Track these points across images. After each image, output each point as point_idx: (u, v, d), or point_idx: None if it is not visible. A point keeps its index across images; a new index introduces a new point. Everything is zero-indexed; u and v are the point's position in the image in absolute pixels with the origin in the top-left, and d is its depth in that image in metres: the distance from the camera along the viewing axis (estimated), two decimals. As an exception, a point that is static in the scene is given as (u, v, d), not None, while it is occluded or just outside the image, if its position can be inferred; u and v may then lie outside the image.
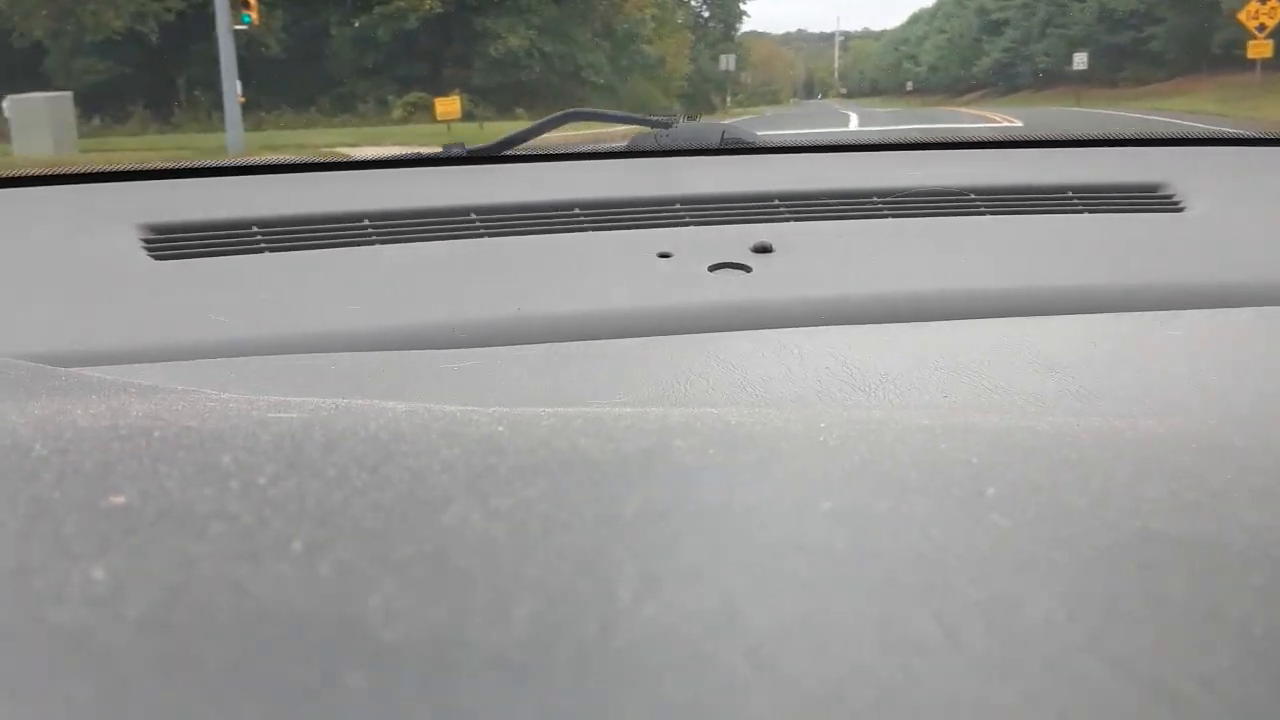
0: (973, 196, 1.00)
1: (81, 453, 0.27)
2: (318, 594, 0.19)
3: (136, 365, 0.65)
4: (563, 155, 1.16)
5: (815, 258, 0.88)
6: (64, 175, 1.00)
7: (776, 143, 1.22)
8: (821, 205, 0.97)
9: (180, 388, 0.46)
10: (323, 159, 1.10)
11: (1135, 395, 0.57)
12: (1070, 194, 1.02)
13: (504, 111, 17.03)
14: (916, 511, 0.25)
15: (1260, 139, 1.23)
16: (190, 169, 1.05)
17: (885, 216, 0.97)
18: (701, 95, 26.95)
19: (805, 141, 1.22)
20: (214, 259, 0.84)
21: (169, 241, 0.85)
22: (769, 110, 30.23)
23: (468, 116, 15.56)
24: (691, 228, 0.93)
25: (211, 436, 0.29)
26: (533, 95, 18.48)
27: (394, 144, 11.50)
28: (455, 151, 1.11)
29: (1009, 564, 0.22)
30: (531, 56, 19.39)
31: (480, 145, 1.14)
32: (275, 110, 16.55)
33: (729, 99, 30.45)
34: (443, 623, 0.18)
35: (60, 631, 0.18)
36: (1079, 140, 1.23)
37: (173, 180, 1.01)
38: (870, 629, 0.19)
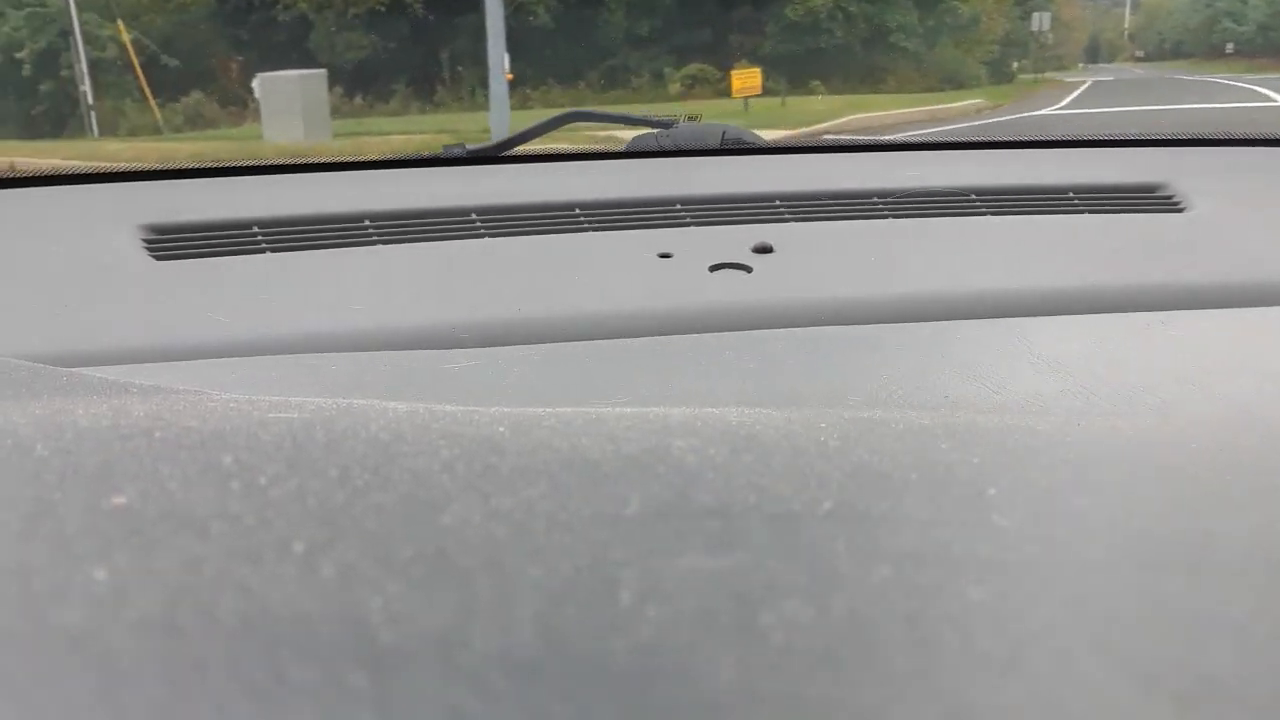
0: (973, 197, 1.00)
1: (83, 453, 0.27)
2: (319, 594, 0.19)
3: (138, 365, 0.65)
4: (563, 156, 1.16)
5: (816, 258, 0.88)
6: (65, 175, 1.00)
7: (777, 143, 1.22)
8: (822, 206, 0.97)
9: (181, 388, 0.46)
10: (324, 159, 1.10)
11: (1136, 395, 0.57)
12: (1071, 194, 1.02)
13: (797, 84, 13.93)
14: (917, 512, 0.25)
15: (1261, 139, 1.23)
16: (191, 169, 1.05)
17: (886, 217, 0.97)
18: (1001, 61, 22.17)
19: (806, 142, 1.22)
20: (215, 259, 0.84)
21: (170, 242, 0.85)
22: (1081, 78, 24.03)
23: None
24: (692, 228, 0.93)
25: (213, 436, 0.28)
26: (829, 65, 15.43)
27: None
28: (456, 152, 1.11)
29: (1010, 564, 0.22)
30: (834, 19, 15.76)
31: (481, 145, 1.14)
32: (541, 87, 14.53)
33: (1016, 65, 24.51)
34: (444, 623, 0.18)
35: (61, 632, 0.18)
36: (1079, 141, 1.23)
37: (173, 180, 1.01)
38: (871, 630, 0.19)
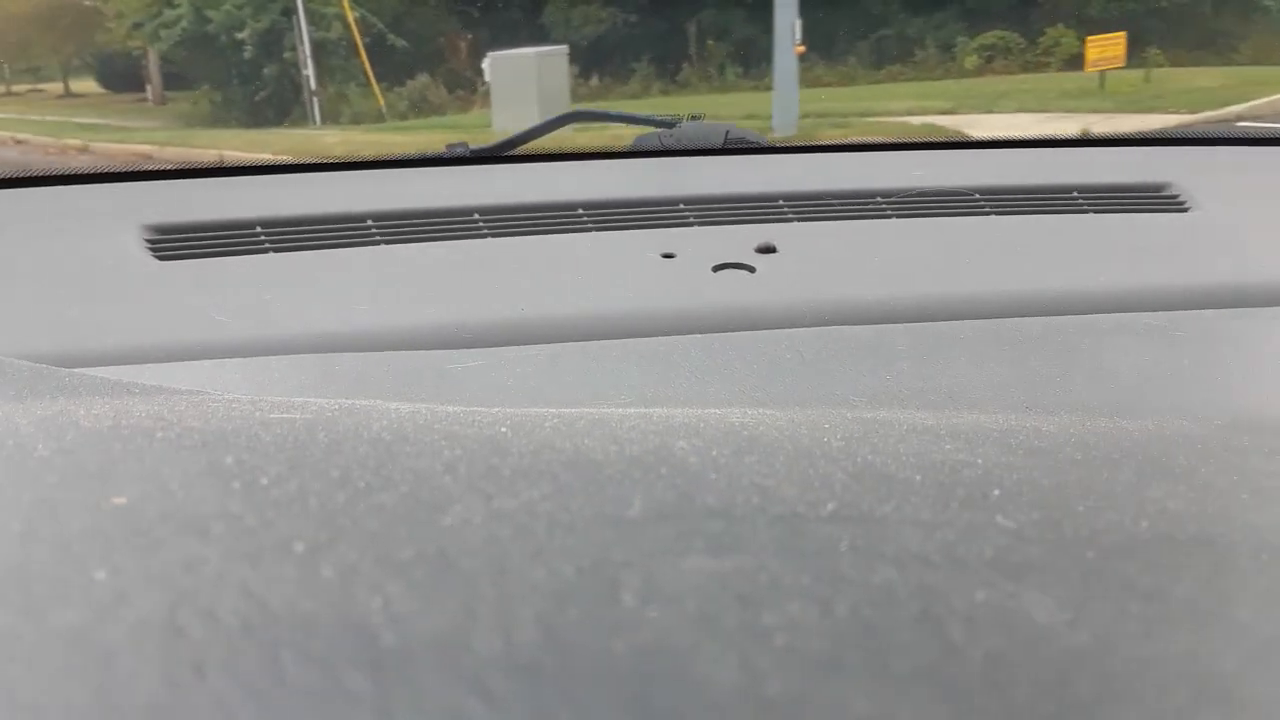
0: (978, 197, 1.00)
1: (84, 453, 0.27)
2: (320, 595, 0.19)
3: (140, 366, 0.65)
4: (566, 155, 1.16)
5: (819, 258, 0.88)
6: (68, 175, 1.00)
7: (780, 142, 1.22)
8: (826, 205, 0.97)
9: (183, 388, 0.46)
10: (327, 158, 1.10)
11: (1141, 395, 0.57)
12: (1076, 194, 1.02)
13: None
14: (921, 513, 0.25)
15: (1267, 139, 1.22)
16: (193, 169, 1.06)
17: (890, 217, 0.97)
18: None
19: (809, 142, 1.22)
20: (217, 259, 0.84)
21: (172, 242, 0.86)
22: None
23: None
24: (695, 228, 0.93)
25: (214, 437, 0.28)
26: (1168, 29, 11.61)
27: (1017, 109, 7.88)
28: (459, 151, 1.11)
29: (1014, 566, 0.22)
30: (1181, -31, 11.00)
31: (484, 145, 1.14)
32: (803, 62, 11.40)
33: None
34: (445, 624, 0.18)
35: (61, 632, 0.18)
36: (1085, 140, 1.24)
37: (176, 181, 1.01)
38: (874, 632, 0.19)
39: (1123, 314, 0.76)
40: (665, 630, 0.18)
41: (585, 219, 0.93)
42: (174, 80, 11.52)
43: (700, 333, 0.72)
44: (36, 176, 0.99)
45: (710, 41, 11.98)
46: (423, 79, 10.87)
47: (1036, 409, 0.54)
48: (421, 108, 10.56)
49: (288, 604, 0.19)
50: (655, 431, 0.32)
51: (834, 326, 0.74)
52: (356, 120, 10.07)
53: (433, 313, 0.77)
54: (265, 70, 10.50)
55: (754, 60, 11.22)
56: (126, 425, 0.30)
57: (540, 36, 10.78)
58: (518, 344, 0.70)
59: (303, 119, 10.12)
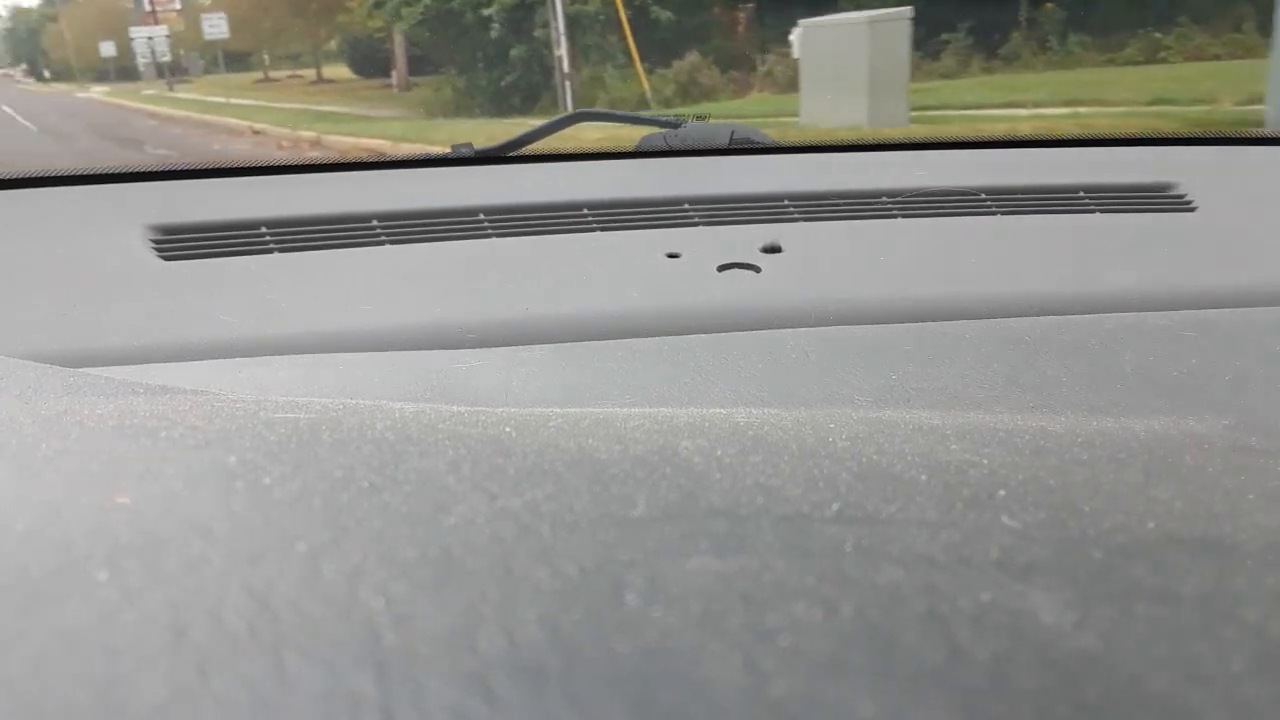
0: (983, 196, 1.00)
1: (88, 453, 0.27)
2: (323, 596, 0.19)
3: (144, 366, 0.65)
4: (571, 155, 1.16)
5: (825, 258, 0.87)
6: (73, 176, 1.00)
7: (785, 142, 1.22)
8: (831, 205, 0.97)
9: (188, 388, 0.46)
10: (331, 159, 1.11)
11: (1147, 396, 0.57)
12: (1081, 194, 1.01)
13: None
14: (927, 514, 0.25)
15: (1271, 138, 1.22)
16: (198, 169, 1.06)
17: (895, 216, 0.97)
18: None
19: (814, 141, 1.22)
20: (222, 259, 0.84)
21: (177, 242, 0.86)
22: None
23: None
24: (700, 228, 0.92)
25: (218, 437, 0.28)
26: None
27: None
28: (464, 151, 1.11)
29: (1020, 566, 0.22)
30: None
31: (488, 146, 1.14)
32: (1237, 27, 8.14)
33: None
34: (449, 625, 0.18)
35: (64, 633, 0.18)
36: (1090, 140, 1.23)
37: (181, 181, 1.01)
38: (880, 633, 0.19)
39: (1129, 314, 0.75)
40: (669, 631, 0.18)
41: (590, 219, 0.93)
42: (419, 65, 10.62)
43: (705, 332, 0.72)
44: (42, 177, 0.99)
45: (1048, 3, 9.45)
46: (692, 58, 9.27)
47: (1042, 409, 0.54)
48: (690, 91, 9.04)
49: (291, 604, 0.19)
50: (660, 431, 0.32)
51: (839, 326, 0.74)
52: (615, 107, 8.29)
53: (437, 313, 0.77)
54: (512, 51, 9.31)
55: (1102, 25, 8.60)
56: (130, 425, 0.30)
57: (826, 7, 8.58)
58: (522, 344, 0.70)
59: (552, 106, 8.91)
